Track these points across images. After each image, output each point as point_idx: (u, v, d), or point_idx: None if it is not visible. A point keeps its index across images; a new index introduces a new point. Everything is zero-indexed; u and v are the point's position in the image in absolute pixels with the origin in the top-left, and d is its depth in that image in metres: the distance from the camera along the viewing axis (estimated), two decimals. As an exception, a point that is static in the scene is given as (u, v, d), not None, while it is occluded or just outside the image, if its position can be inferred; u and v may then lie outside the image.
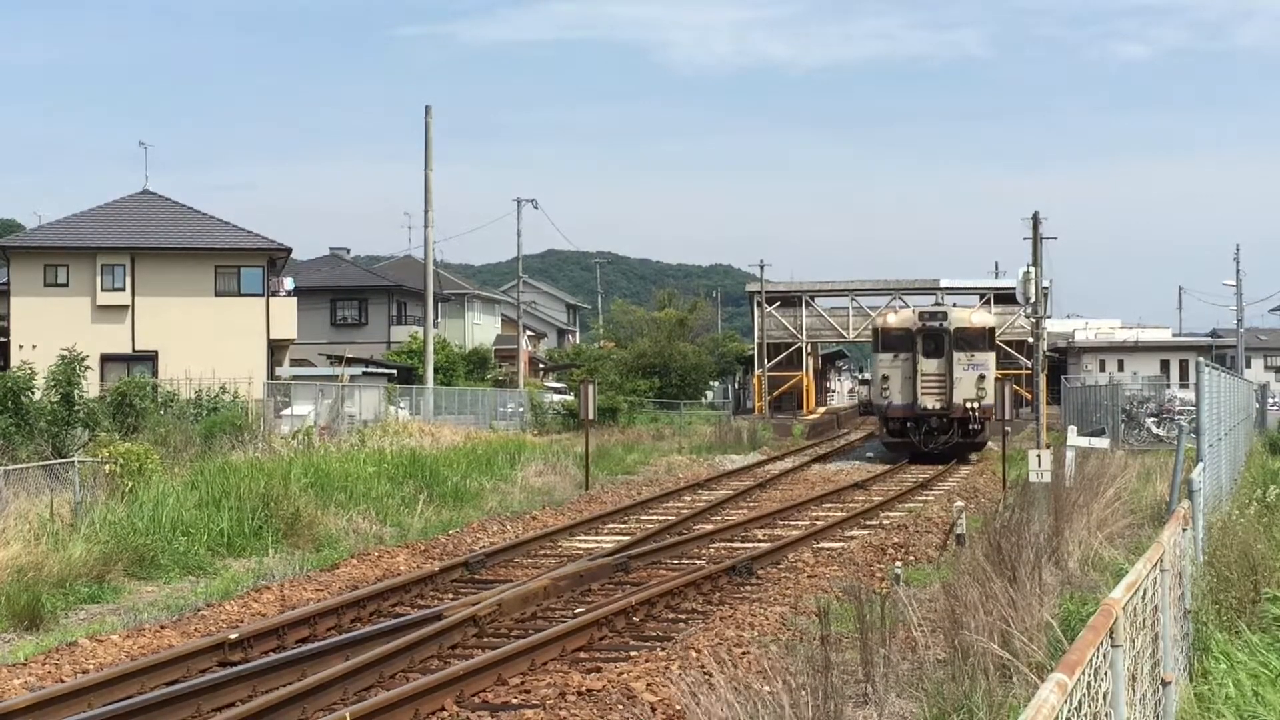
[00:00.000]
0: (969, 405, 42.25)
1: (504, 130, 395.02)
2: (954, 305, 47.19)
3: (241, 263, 58.13)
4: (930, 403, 42.52)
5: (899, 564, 18.66)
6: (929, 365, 42.82)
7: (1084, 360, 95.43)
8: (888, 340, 43.91)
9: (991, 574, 12.65)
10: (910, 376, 42.70)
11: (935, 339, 43.03)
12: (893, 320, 44.76)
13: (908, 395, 42.61)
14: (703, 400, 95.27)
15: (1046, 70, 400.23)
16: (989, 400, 41.77)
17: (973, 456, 43.96)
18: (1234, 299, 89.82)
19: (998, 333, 47.98)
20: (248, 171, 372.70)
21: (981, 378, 42.62)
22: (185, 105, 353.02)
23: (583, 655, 13.82)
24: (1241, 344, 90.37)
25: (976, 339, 43.32)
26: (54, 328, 50.85)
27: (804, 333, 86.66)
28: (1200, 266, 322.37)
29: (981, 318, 45.14)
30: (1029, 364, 60.55)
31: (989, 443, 45.57)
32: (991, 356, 44.16)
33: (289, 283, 61.01)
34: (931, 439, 42.32)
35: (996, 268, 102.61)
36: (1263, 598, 12.16)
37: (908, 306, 46.16)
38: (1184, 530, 10.95)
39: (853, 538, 22.72)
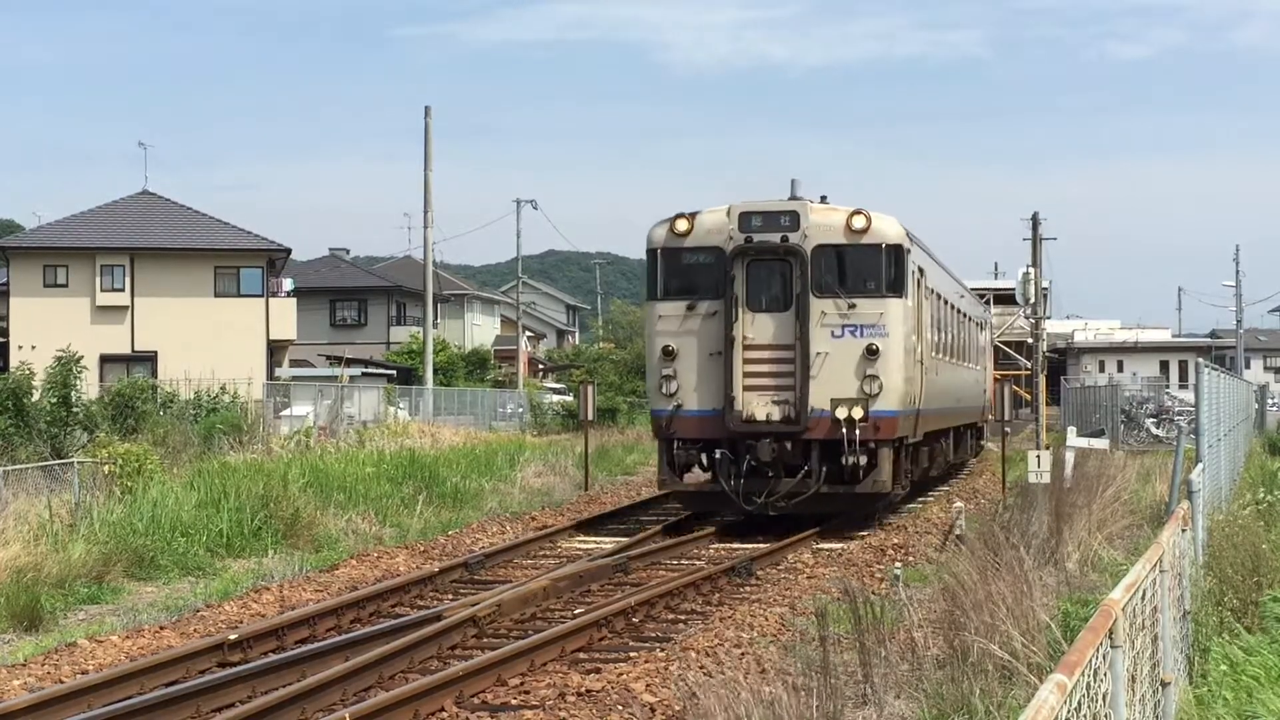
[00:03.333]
0: (845, 414, 22.07)
1: (504, 130, 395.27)
2: (824, 201, 23.73)
3: (241, 263, 58.16)
4: (760, 408, 22.42)
5: (898, 565, 18.66)
6: (758, 327, 22.70)
7: (1083, 361, 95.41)
8: (673, 273, 23.35)
9: (991, 575, 12.65)
10: (720, 351, 22.55)
11: (773, 269, 22.89)
12: (684, 230, 23.15)
13: (711, 394, 22.60)
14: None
15: (1046, 70, 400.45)
16: (893, 403, 22.53)
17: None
18: (1234, 299, 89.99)
19: (912, 255, 23.88)
20: (248, 171, 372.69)
21: (872, 351, 22.28)
22: (185, 105, 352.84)
23: (582, 656, 13.83)
24: (1241, 344, 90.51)
25: (863, 267, 22.87)
26: (53, 328, 50.85)
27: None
28: (1200, 266, 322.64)
29: (872, 224, 22.89)
30: (1028, 364, 60.42)
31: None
32: (900, 308, 22.86)
33: (288, 283, 61.08)
34: (762, 484, 22.39)
35: (996, 268, 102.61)
36: (1264, 598, 12.17)
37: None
38: (1183, 531, 10.96)
39: (852, 538, 22.72)
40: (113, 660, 13.62)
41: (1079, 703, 5.15)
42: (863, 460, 22.31)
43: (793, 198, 23.52)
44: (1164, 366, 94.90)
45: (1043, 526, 17.80)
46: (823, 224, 22.92)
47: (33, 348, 48.95)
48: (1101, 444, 30.04)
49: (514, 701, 12.03)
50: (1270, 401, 68.78)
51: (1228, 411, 24.87)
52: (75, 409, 32.55)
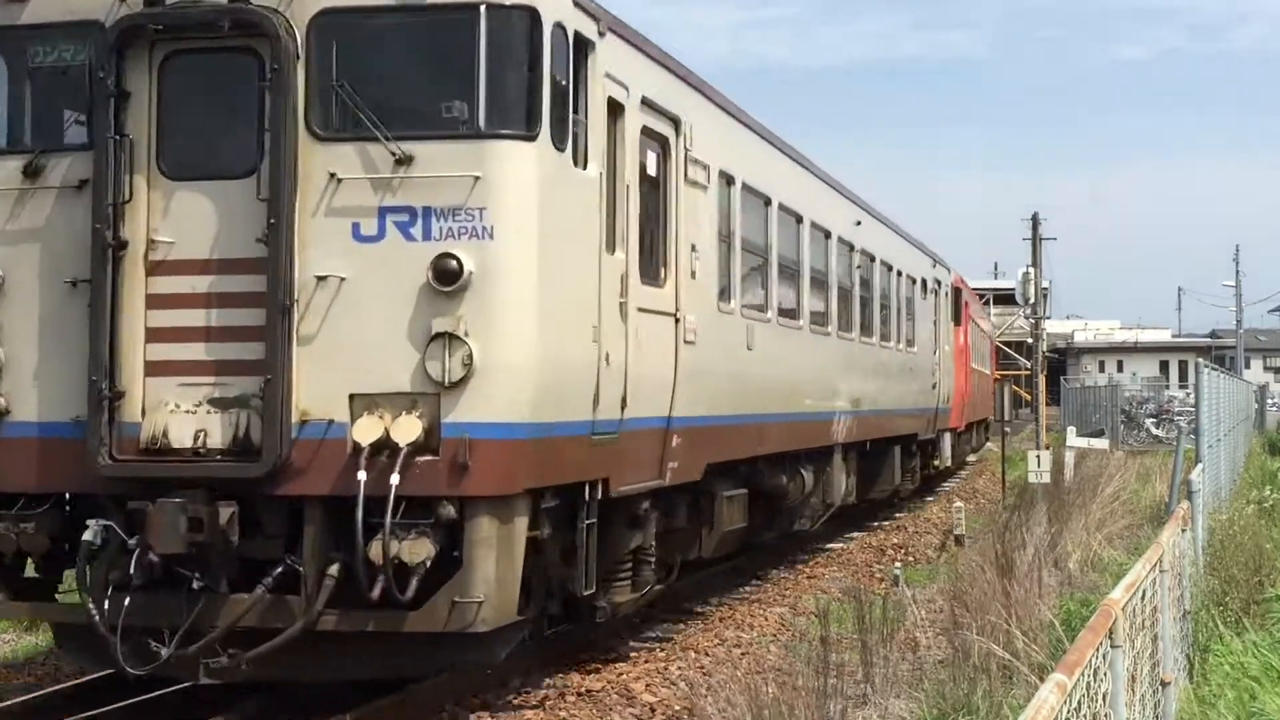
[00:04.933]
0: (378, 434, 9.18)
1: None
2: None
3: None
4: (178, 419, 9.62)
5: (898, 564, 18.66)
6: (181, 215, 9.68)
7: (1083, 361, 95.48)
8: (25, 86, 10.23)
9: (991, 574, 12.66)
10: (88, 277, 9.63)
11: (217, 73, 9.88)
12: None
13: (68, 382, 9.68)
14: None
15: (1046, 70, 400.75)
16: (516, 404, 9.43)
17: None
18: (1233, 300, 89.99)
19: (604, 54, 10.39)
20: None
21: (449, 274, 9.29)
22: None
23: (582, 655, 13.81)
24: (1241, 345, 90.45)
25: (434, 64, 9.70)
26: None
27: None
28: (1200, 266, 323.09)
29: None
30: (1028, 364, 60.39)
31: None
32: (530, 161, 9.52)
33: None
34: (177, 608, 9.45)
35: (996, 268, 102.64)
36: (1267, 597, 12.19)
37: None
38: (1183, 531, 10.98)
39: (852, 538, 22.71)
40: (113, 660, 13.59)
41: (1079, 702, 5.15)
42: (419, 552, 9.28)
43: None
44: (1164, 367, 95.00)
45: (1043, 526, 17.82)
46: None
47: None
48: (1101, 444, 30.09)
49: (514, 701, 12.02)
50: (1270, 401, 68.81)
51: (1227, 412, 24.89)
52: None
